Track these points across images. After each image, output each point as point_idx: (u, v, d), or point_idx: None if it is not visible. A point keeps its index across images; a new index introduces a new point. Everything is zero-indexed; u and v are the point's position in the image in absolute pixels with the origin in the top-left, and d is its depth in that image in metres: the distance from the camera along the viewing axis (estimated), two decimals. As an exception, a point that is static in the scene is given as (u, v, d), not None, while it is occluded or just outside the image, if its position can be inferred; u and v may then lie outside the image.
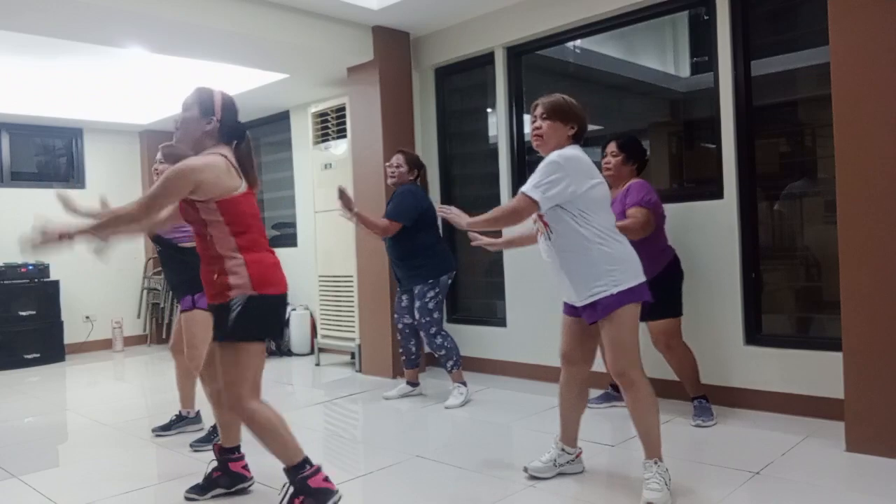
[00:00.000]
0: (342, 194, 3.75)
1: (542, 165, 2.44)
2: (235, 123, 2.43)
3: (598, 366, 3.76)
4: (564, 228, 2.45)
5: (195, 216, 2.33)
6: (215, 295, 2.33)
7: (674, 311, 3.43)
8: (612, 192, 3.48)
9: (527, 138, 4.75)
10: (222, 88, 2.47)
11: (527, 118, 4.73)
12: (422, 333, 4.08)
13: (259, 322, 2.33)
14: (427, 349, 4.34)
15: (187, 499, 2.65)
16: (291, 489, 2.32)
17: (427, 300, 4.03)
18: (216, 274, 2.31)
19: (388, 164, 4.20)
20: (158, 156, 3.54)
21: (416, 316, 4.05)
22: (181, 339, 3.50)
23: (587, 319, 2.53)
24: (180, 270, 3.38)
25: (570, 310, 2.64)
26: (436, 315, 4.06)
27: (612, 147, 3.52)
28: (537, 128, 2.55)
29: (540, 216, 2.49)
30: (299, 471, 2.32)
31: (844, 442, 2.90)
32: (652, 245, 3.39)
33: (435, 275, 4.04)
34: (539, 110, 2.56)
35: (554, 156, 2.43)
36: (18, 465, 3.24)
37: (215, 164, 2.28)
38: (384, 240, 4.16)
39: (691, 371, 3.46)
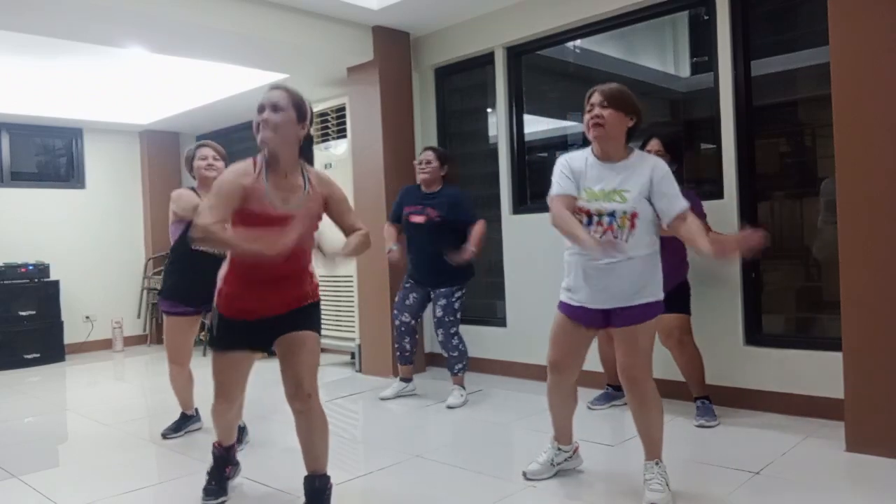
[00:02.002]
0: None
1: (671, 178, 2.38)
2: (311, 136, 2.41)
3: (597, 366, 3.78)
4: (648, 232, 2.42)
5: (311, 233, 2.34)
6: (306, 298, 2.39)
7: (688, 308, 3.46)
8: None
9: (527, 138, 4.76)
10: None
11: (527, 118, 4.74)
12: (440, 331, 4.05)
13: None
14: (429, 348, 4.34)
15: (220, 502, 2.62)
16: (306, 500, 2.37)
17: (454, 300, 4.05)
18: (309, 283, 2.40)
19: (416, 161, 4.16)
20: (210, 152, 3.35)
21: (440, 314, 4.03)
22: (187, 350, 3.48)
23: (620, 322, 2.46)
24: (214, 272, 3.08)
25: (582, 316, 2.51)
26: (458, 315, 4.09)
27: (656, 145, 3.42)
28: (597, 116, 2.38)
29: (634, 214, 2.37)
30: (327, 480, 2.38)
31: (844, 442, 2.90)
32: (683, 251, 3.43)
33: (466, 277, 4.08)
34: (598, 97, 2.40)
35: (666, 164, 2.43)
36: (18, 465, 3.23)
37: None
38: (421, 230, 4.04)
39: (698, 371, 3.46)
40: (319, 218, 2.37)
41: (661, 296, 2.49)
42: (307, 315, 2.37)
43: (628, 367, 2.46)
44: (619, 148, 2.44)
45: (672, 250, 3.30)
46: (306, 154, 2.39)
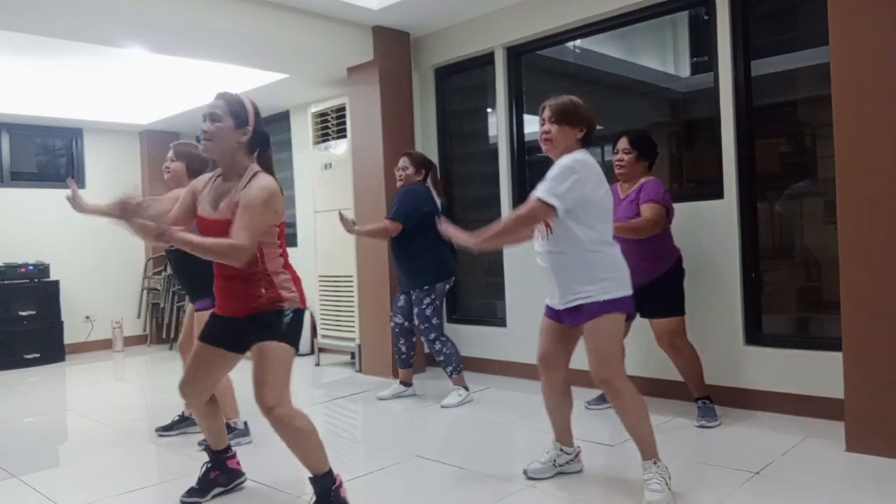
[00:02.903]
0: (342, 218, 3.91)
1: (557, 170, 2.40)
2: (263, 132, 2.41)
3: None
4: (566, 231, 2.44)
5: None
6: (257, 307, 2.34)
7: (678, 310, 3.43)
8: (625, 189, 3.47)
9: (527, 138, 4.76)
10: (246, 94, 2.45)
11: (527, 118, 4.74)
12: (422, 339, 4.08)
13: (300, 332, 2.44)
14: (427, 350, 4.35)
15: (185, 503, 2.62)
16: (315, 499, 2.38)
17: (424, 307, 4.01)
18: (264, 288, 2.34)
19: (396, 168, 4.20)
20: (170, 154, 3.43)
21: (416, 322, 4.05)
22: (190, 338, 3.47)
23: (569, 323, 2.52)
24: (203, 271, 3.19)
25: (552, 313, 2.62)
26: (434, 321, 4.04)
27: (623, 143, 3.46)
28: (546, 131, 2.51)
29: None
30: (331, 479, 2.39)
31: (844, 442, 2.90)
32: (661, 244, 3.41)
33: (430, 281, 4.01)
34: (547, 113, 2.52)
35: (568, 161, 2.41)
36: (18, 465, 3.24)
37: (278, 189, 2.32)
38: (390, 239, 4.15)
39: (696, 371, 3.45)
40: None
41: (609, 295, 2.43)
42: (267, 323, 2.34)
43: (593, 370, 2.47)
44: None
45: (636, 246, 3.26)
46: (262, 155, 2.38)
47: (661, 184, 3.43)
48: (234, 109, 2.32)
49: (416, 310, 4.04)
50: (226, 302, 2.42)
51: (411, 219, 3.96)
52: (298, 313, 2.41)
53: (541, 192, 2.39)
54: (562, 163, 2.42)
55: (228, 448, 2.73)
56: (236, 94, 2.38)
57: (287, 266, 2.44)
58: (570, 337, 2.63)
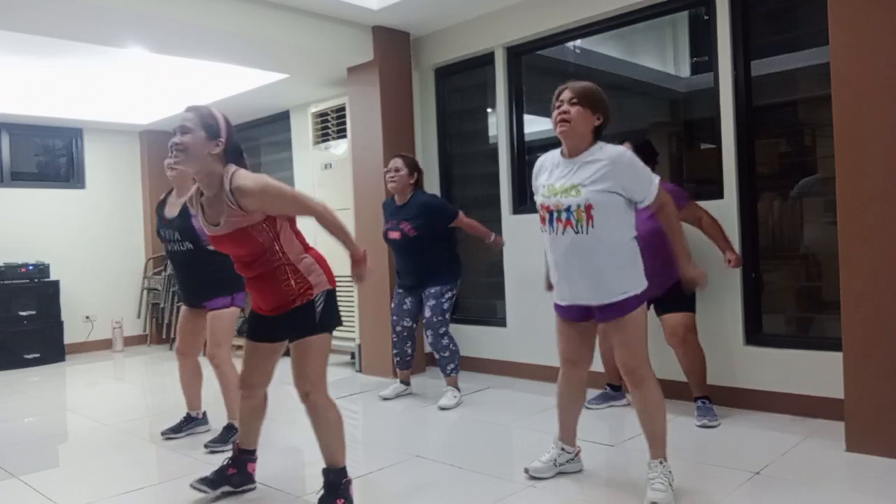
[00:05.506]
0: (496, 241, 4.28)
1: (635, 166, 2.41)
2: (236, 144, 2.42)
3: (596, 366, 3.78)
4: (614, 221, 2.40)
5: (268, 235, 2.34)
6: (292, 301, 2.39)
7: (692, 306, 3.46)
8: None
9: (527, 138, 4.76)
10: (218, 107, 2.46)
11: (527, 118, 4.74)
12: (429, 332, 4.06)
13: (336, 313, 2.50)
14: (429, 349, 4.33)
15: (194, 488, 2.63)
16: (323, 491, 2.43)
17: (443, 300, 4.05)
18: (294, 281, 2.39)
19: (386, 169, 4.17)
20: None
21: (428, 314, 4.04)
22: (191, 340, 3.50)
23: (601, 319, 2.50)
24: (215, 270, 3.28)
25: (569, 313, 2.60)
26: (448, 315, 4.09)
27: (627, 147, 3.48)
28: (565, 112, 2.42)
29: (588, 206, 2.37)
30: (343, 474, 2.44)
31: (844, 442, 2.90)
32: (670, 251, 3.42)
33: (455, 277, 4.12)
34: (568, 94, 2.44)
35: (629, 153, 2.43)
36: (18, 465, 3.24)
37: (257, 175, 2.36)
38: (400, 245, 4.09)
39: (700, 369, 3.46)
40: (250, 226, 2.31)
41: (640, 288, 2.47)
42: (296, 321, 2.41)
43: (621, 360, 2.48)
44: (583, 144, 2.47)
45: (654, 250, 3.24)
46: (231, 160, 2.37)
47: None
48: (205, 122, 2.33)
49: (432, 302, 4.03)
50: (263, 301, 2.47)
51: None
52: (329, 295, 2.45)
53: (652, 188, 2.44)
54: (627, 158, 2.41)
55: (254, 452, 2.74)
56: (206, 107, 2.39)
57: (308, 249, 2.48)
58: (592, 333, 2.66)
